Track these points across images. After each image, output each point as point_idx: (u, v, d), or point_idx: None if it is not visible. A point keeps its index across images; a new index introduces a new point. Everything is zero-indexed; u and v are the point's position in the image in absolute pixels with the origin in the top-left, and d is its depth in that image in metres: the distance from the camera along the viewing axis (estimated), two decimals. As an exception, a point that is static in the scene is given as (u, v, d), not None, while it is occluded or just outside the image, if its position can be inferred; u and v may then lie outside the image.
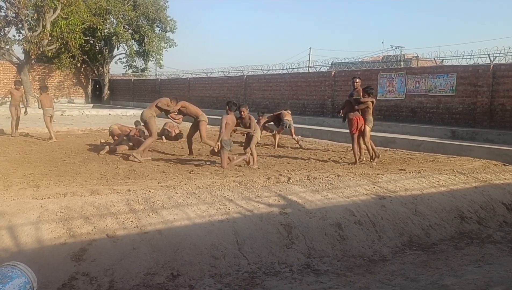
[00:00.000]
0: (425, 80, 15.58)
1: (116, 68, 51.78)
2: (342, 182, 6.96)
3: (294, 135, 12.10)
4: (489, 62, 14.38)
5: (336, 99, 19.13)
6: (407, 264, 5.13)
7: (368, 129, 9.18)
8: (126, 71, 39.27)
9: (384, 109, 16.60)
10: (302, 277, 4.69)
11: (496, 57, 14.40)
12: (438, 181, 7.51)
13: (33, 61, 30.04)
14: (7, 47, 27.45)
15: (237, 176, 7.15)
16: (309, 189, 6.53)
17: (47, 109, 11.78)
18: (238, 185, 6.48)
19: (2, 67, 33.91)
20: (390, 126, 14.65)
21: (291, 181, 6.82)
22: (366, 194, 6.57)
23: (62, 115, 22.82)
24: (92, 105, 33.61)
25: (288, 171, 7.83)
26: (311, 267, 4.93)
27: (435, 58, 16.91)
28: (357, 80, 10.24)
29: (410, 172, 7.94)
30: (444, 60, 16.72)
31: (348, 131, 9.56)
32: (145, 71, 39.43)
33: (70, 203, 5.26)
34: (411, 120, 15.82)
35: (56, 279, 4.17)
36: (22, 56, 28.32)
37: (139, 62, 38.54)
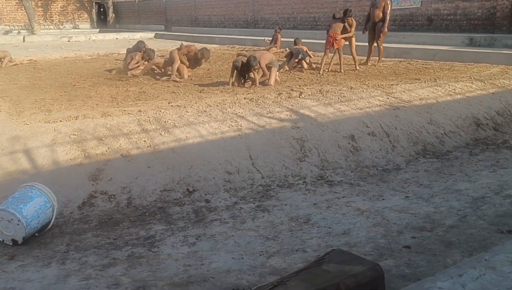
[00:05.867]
0: (443, -16, 14.71)
1: (119, -11, 49.79)
2: (355, 94, 6.83)
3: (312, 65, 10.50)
4: (513, -40, 13.40)
5: (346, 7, 18.30)
6: (420, 172, 5.15)
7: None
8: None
9: (399, 19, 15.89)
10: (315, 188, 4.76)
11: (520, -46, 13.39)
12: (454, 89, 7.33)
13: (33, -14, 29.04)
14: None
15: (248, 93, 7.05)
16: (321, 102, 6.43)
17: None
18: (249, 102, 6.40)
19: (4, -6, 32.97)
20: (405, 37, 14.10)
21: (303, 96, 6.72)
22: (379, 105, 6.46)
23: (69, 41, 22.47)
24: (98, 30, 32.90)
25: (299, 86, 7.69)
26: (324, 179, 4.98)
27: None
28: None
29: (425, 81, 7.74)
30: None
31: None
32: (149, -8, 37.92)
33: (82, 125, 5.29)
34: (427, 29, 15.18)
35: (76, 198, 4.29)
36: (22, -19, 27.31)
37: (142, -18, 36.98)
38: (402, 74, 8.83)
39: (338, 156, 5.39)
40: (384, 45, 10.69)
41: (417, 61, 10.88)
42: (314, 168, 5.15)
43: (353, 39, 9.70)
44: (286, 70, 9.89)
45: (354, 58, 9.77)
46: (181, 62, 9.10)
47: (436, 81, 7.74)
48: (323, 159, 5.29)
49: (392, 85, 7.45)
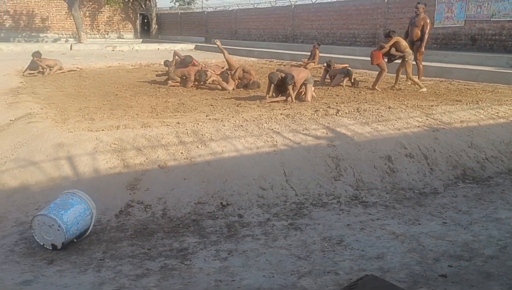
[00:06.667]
0: (488, 4, 14.36)
1: (163, 1, 51.20)
2: (393, 114, 6.74)
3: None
4: None
5: (388, 28, 18.14)
6: (459, 197, 5.01)
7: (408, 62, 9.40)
8: (173, 4, 38.94)
9: (441, 38, 15.61)
10: (349, 208, 4.70)
11: None
12: (497, 113, 7.12)
13: (82, -3, 30.22)
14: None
15: (284, 109, 7.08)
16: (358, 121, 6.38)
17: None
18: (285, 117, 6.43)
19: (54, 3, 34.38)
20: (446, 56, 13.82)
21: (340, 114, 6.68)
22: (418, 126, 6.35)
23: (113, 50, 23.21)
24: (141, 40, 33.84)
25: (337, 103, 7.66)
26: (359, 199, 4.93)
27: (501, -21, 15.43)
28: (422, 6, 9.79)
29: (466, 103, 7.55)
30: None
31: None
32: (192, 4, 38.84)
33: (123, 135, 5.45)
34: (470, 49, 14.83)
35: (113, 206, 4.41)
36: (72, -8, 28.47)
37: (185, -5, 37.97)
38: (442, 94, 8.65)
39: (373, 176, 5.32)
40: (424, 63, 10.52)
41: (458, 82, 10.64)
42: (348, 188, 5.10)
43: (409, 61, 9.34)
44: (342, 84, 10.02)
45: (411, 79, 9.49)
46: (232, 78, 9.80)
47: (478, 104, 7.54)
48: (358, 179, 5.23)
49: (432, 106, 7.31)
